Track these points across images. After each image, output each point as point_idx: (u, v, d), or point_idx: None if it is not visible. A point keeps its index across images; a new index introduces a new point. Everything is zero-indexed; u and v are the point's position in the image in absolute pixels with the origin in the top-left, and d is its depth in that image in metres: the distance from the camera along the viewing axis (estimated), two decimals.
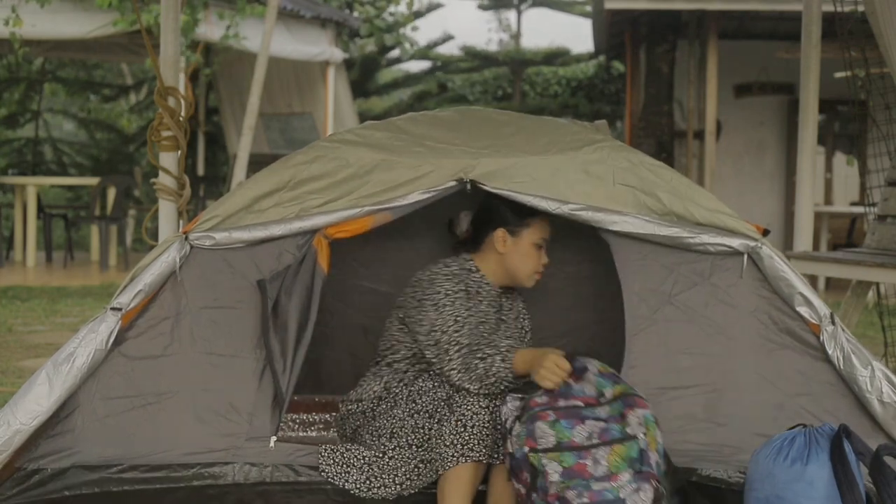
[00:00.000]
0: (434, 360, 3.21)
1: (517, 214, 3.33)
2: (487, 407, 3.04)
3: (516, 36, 20.16)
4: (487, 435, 3.01)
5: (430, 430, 3.12)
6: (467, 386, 3.09)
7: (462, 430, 3.00)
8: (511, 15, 20.40)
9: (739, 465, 3.23)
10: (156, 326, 3.24)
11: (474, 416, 3.02)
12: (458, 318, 3.21)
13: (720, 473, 3.27)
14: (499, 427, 3.00)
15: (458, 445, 2.99)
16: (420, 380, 3.30)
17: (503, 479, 3.02)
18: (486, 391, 3.07)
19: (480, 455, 2.99)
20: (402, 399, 3.27)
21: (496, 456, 3.02)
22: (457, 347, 3.14)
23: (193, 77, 13.56)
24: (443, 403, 3.17)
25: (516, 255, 3.36)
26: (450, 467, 2.98)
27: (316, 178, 3.26)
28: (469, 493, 3.00)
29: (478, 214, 3.44)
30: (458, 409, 3.04)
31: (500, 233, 3.34)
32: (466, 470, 2.99)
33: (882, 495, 2.85)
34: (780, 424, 3.17)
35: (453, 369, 3.12)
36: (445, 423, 3.03)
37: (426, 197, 3.23)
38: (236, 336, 3.26)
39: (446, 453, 3.00)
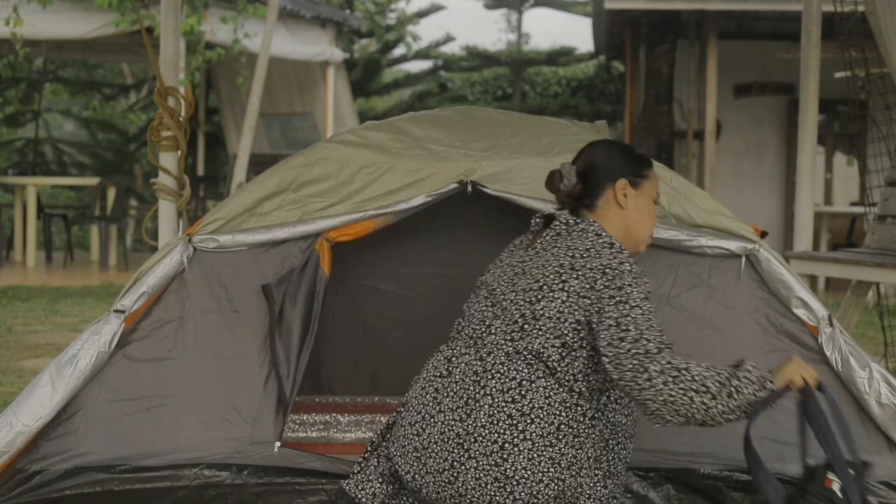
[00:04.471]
0: (629, 379, 2.40)
1: (636, 162, 2.74)
2: None
3: (521, 36, 20.14)
4: None
5: None
6: (680, 420, 2.40)
7: None
8: (513, 15, 20.37)
9: (739, 465, 3.23)
10: (159, 329, 3.24)
11: None
12: (653, 318, 2.48)
13: (719, 472, 3.27)
14: None
15: None
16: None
17: None
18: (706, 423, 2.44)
19: None
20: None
21: None
22: (684, 365, 2.39)
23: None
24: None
25: (637, 213, 2.70)
26: None
27: (318, 180, 3.27)
28: None
29: (588, 163, 2.74)
30: None
31: (621, 184, 2.68)
32: None
33: (814, 428, 2.62)
34: (779, 426, 3.18)
35: (674, 394, 2.36)
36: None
37: (428, 200, 3.24)
38: (240, 339, 3.25)
39: None
